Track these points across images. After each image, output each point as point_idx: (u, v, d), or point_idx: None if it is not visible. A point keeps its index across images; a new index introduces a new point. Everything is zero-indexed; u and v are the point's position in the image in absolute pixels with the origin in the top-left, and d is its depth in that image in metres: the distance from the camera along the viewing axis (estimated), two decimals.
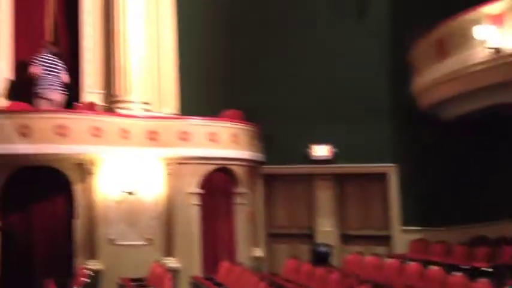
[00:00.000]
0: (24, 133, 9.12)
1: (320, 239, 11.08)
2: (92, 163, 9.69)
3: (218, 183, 10.70)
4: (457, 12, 8.78)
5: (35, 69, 10.19)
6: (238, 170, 10.99)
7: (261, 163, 11.56)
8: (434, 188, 10.61)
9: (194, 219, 10.27)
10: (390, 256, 9.72)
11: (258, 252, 11.28)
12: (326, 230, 11.29)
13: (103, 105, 10.83)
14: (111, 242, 9.69)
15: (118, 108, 10.52)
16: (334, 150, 11.35)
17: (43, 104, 10.08)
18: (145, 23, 11.06)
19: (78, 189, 9.67)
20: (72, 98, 10.61)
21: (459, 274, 7.17)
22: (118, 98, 10.62)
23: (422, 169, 10.82)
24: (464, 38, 8.57)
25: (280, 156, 11.39)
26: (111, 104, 10.70)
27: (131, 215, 9.85)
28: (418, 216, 10.76)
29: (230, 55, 11.80)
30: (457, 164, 10.44)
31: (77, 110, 10.16)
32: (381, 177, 11.19)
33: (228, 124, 10.84)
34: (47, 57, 10.34)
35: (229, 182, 10.92)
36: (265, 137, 11.49)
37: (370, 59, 11.10)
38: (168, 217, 10.06)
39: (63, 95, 10.46)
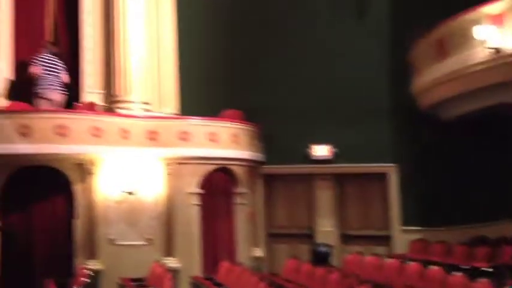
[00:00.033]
0: (24, 133, 9.12)
1: (320, 239, 11.07)
2: (92, 163, 9.69)
3: (218, 183, 10.70)
4: (457, 12, 8.78)
5: (35, 69, 10.19)
6: (238, 170, 10.98)
7: (261, 163, 11.56)
8: (434, 188, 10.61)
9: (194, 219, 10.27)
10: (390, 256, 9.72)
11: (258, 252, 11.28)
12: (326, 230, 11.29)
13: (103, 105, 10.82)
14: (111, 242, 9.69)
15: (118, 108, 10.51)
16: (334, 150, 11.35)
17: (43, 104, 10.08)
18: (145, 23, 11.06)
19: (78, 189, 9.67)
20: (72, 98, 10.61)
21: (459, 274, 7.16)
22: (118, 98, 10.61)
23: (422, 169, 10.82)
24: (465, 38, 8.57)
25: (280, 156, 11.39)
26: (111, 104, 10.70)
27: (131, 215, 9.85)
28: (418, 216, 10.76)
29: (230, 55, 11.80)
30: (457, 164, 10.43)
31: (77, 110, 10.16)
32: (381, 177, 11.19)
33: (228, 124, 10.84)
34: (47, 57, 10.34)
35: (229, 182, 10.92)
36: (265, 137, 11.48)
37: (370, 59, 11.10)
38: (168, 217, 10.06)
39: (63, 95, 10.46)
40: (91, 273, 8.56)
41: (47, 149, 9.21)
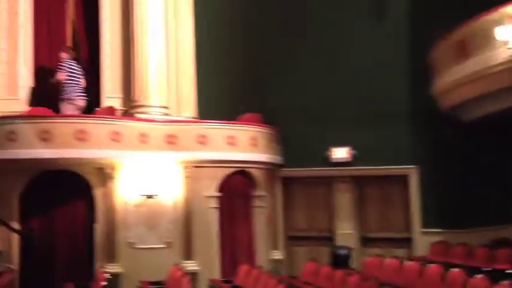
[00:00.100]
0: (45, 138, 9.23)
1: (339, 241, 11.02)
2: (111, 167, 9.78)
3: (237, 186, 10.71)
4: (477, 13, 8.69)
5: (61, 75, 10.28)
6: (257, 173, 10.99)
7: (280, 166, 11.55)
8: (454, 189, 10.48)
9: (213, 223, 10.31)
10: (410, 258, 9.61)
11: (277, 255, 11.26)
12: (345, 232, 11.23)
13: (122, 110, 10.91)
14: (131, 245, 9.77)
15: (137, 112, 10.58)
16: (353, 152, 11.29)
17: (70, 110, 10.19)
18: (163, 28, 11.10)
19: (98, 193, 9.77)
20: (91, 103, 10.72)
21: (481, 276, 7.06)
22: (137, 103, 10.68)
23: (443, 171, 10.70)
24: (486, 39, 8.47)
25: (298, 158, 11.36)
26: (130, 108, 10.77)
27: (150, 219, 9.91)
28: (438, 218, 10.64)
29: (248, 58, 11.82)
30: (478, 166, 10.30)
31: (97, 115, 10.25)
32: (401, 179, 11.10)
33: (246, 127, 10.84)
34: (71, 63, 10.46)
35: (247, 185, 10.93)
36: (284, 140, 11.48)
37: (390, 60, 11.01)
38: (187, 220, 10.10)
39: (85, 100, 10.58)
40: (109, 276, 8.61)
41: (68, 154, 9.31)
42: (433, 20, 10.41)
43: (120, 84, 11.07)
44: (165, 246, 9.94)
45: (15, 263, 9.34)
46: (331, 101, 11.27)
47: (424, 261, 8.97)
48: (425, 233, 10.73)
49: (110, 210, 9.76)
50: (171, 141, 10.07)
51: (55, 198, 9.63)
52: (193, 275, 9.50)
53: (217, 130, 10.43)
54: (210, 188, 10.34)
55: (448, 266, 8.09)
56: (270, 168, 11.29)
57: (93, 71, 11.07)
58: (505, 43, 8.04)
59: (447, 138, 10.53)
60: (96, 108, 10.69)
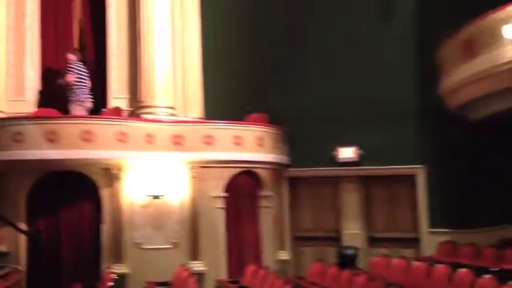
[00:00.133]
0: (52, 139, 9.26)
1: (346, 241, 10.99)
2: (118, 168, 9.80)
3: (243, 187, 10.70)
4: (484, 11, 8.64)
5: (71, 77, 10.30)
6: (263, 173, 10.97)
7: (286, 166, 11.53)
8: (462, 189, 10.43)
9: (219, 223, 10.30)
10: (418, 259, 9.57)
11: (284, 255, 11.24)
12: (352, 232, 11.19)
13: (129, 111, 10.93)
14: (137, 246, 9.78)
15: (144, 113, 10.58)
16: (360, 152, 11.26)
17: (80, 111, 10.22)
18: (170, 28, 11.11)
19: (105, 194, 9.79)
20: (98, 104, 10.74)
21: (488, 277, 7.03)
22: (143, 103, 10.68)
23: (450, 170, 10.65)
24: (493, 37, 8.42)
25: (305, 158, 11.34)
26: (136, 109, 10.78)
27: (157, 219, 9.92)
28: (446, 218, 10.59)
29: (254, 58, 11.80)
30: (485, 165, 10.25)
31: (103, 116, 10.27)
32: (408, 179, 11.05)
33: (253, 127, 10.82)
34: (79, 65, 10.50)
35: (254, 185, 10.92)
36: (290, 140, 11.46)
37: (397, 60, 10.97)
38: (193, 221, 10.10)
39: (92, 102, 10.61)
40: (116, 277, 8.62)
41: (74, 155, 9.33)
42: (440, 19, 10.37)
43: (127, 84, 11.08)
44: (172, 246, 9.94)
45: (22, 264, 9.38)
46: (337, 101, 11.23)
47: (431, 261, 8.93)
48: (432, 233, 10.68)
49: (117, 210, 9.78)
50: (178, 142, 10.08)
51: (62, 199, 9.66)
52: (199, 276, 9.51)
53: (223, 130, 10.42)
54: (217, 188, 10.33)
55: (455, 266, 8.05)
56: (276, 168, 11.28)
57: (99, 72, 11.09)
58: None
59: (454, 138, 10.48)
60: (103, 109, 10.70)
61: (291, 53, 11.68)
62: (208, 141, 10.22)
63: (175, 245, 9.97)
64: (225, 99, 11.53)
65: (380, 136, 10.89)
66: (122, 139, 9.62)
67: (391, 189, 11.29)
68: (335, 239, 11.32)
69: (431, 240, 10.57)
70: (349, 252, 9.96)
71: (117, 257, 9.64)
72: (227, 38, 11.95)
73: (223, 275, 10.00)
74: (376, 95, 10.99)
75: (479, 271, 7.53)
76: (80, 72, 10.40)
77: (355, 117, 11.11)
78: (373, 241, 11.24)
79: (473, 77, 8.88)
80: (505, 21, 8.17)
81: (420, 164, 10.91)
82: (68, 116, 9.98)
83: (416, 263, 8.90)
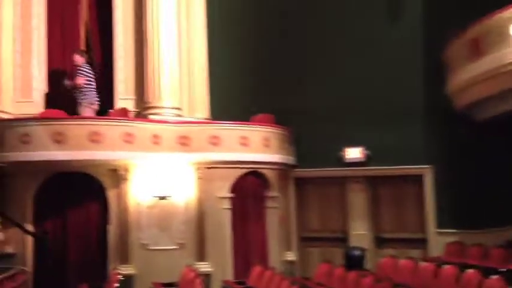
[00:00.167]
0: (59, 140, 9.28)
1: (353, 242, 10.95)
2: (125, 169, 9.81)
3: (249, 187, 10.68)
4: (491, 10, 8.58)
5: (81, 80, 10.35)
6: (270, 174, 10.95)
7: (293, 166, 11.51)
8: (470, 189, 10.35)
9: (225, 224, 10.29)
10: (425, 259, 9.52)
11: (291, 256, 11.22)
12: (359, 233, 11.15)
13: (135, 111, 10.94)
14: (144, 246, 9.79)
15: (150, 114, 10.58)
16: (366, 152, 11.22)
17: (89, 113, 10.27)
18: (176, 29, 11.11)
19: (111, 194, 9.80)
20: (104, 105, 10.76)
21: (496, 277, 6.98)
22: (150, 104, 10.68)
23: (458, 170, 10.58)
24: (501, 36, 8.36)
25: (312, 159, 11.31)
26: (143, 110, 10.78)
27: (163, 220, 9.93)
28: (453, 219, 10.52)
29: (261, 58, 11.80)
30: (493, 165, 10.17)
31: (110, 117, 10.28)
32: (415, 179, 10.99)
33: (259, 128, 10.80)
34: (88, 67, 10.53)
35: (260, 185, 10.90)
36: (297, 140, 11.43)
37: (404, 59, 10.92)
38: (200, 221, 10.10)
39: (98, 103, 10.64)
40: (122, 278, 8.63)
41: (81, 156, 9.35)
42: (447, 18, 10.31)
43: (133, 85, 11.09)
44: (178, 247, 9.94)
45: (29, 265, 9.41)
46: (344, 101, 11.21)
47: (439, 262, 8.88)
48: (440, 234, 10.62)
49: (123, 211, 9.79)
50: (184, 142, 10.08)
51: (68, 200, 9.68)
52: (206, 276, 9.50)
53: (229, 131, 10.42)
54: (223, 189, 10.32)
55: (463, 266, 8.01)
56: (282, 169, 11.25)
57: (106, 73, 11.11)
58: None
59: (462, 138, 10.41)
60: (109, 110, 10.72)
61: (297, 53, 11.66)
62: (215, 142, 10.21)
63: (182, 245, 9.97)
64: (231, 100, 11.52)
65: (387, 136, 10.84)
66: (129, 140, 9.63)
67: (398, 189, 11.24)
68: (342, 239, 11.29)
69: (438, 241, 10.51)
70: (356, 253, 9.92)
71: (124, 257, 9.64)
72: (233, 39, 11.94)
73: (229, 275, 9.99)
74: (383, 94, 10.95)
75: (487, 272, 7.48)
76: (88, 75, 10.44)
77: (362, 117, 11.08)
78: (380, 242, 11.19)
79: (480, 77, 8.82)
80: None
81: (427, 164, 10.85)
82: (75, 117, 10.00)
83: (423, 264, 8.86)
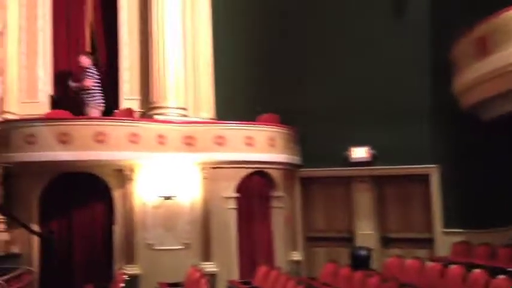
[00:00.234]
0: (64, 140, 9.31)
1: (359, 242, 10.90)
2: (130, 169, 9.82)
3: (255, 187, 10.66)
4: (498, 9, 8.53)
5: (89, 82, 10.41)
6: (275, 174, 10.93)
7: (298, 166, 11.48)
8: (476, 189, 10.30)
9: (231, 224, 10.28)
10: (432, 259, 9.48)
11: (296, 256, 11.20)
12: (365, 233, 11.10)
13: (141, 112, 10.94)
14: (149, 246, 9.80)
15: (155, 114, 10.59)
16: (372, 152, 11.18)
17: (96, 114, 10.32)
18: (181, 29, 11.11)
19: (117, 195, 9.81)
20: (110, 105, 10.78)
21: (503, 277, 6.93)
22: (155, 104, 10.69)
23: (465, 170, 10.52)
24: (508, 35, 8.30)
25: (317, 158, 11.27)
26: (148, 110, 10.79)
27: (168, 220, 9.93)
28: (460, 218, 10.46)
29: (266, 58, 11.77)
30: (500, 165, 10.11)
31: (115, 117, 10.29)
32: (422, 178, 10.94)
33: (264, 127, 10.79)
34: (95, 69, 10.55)
35: (266, 185, 10.87)
36: (302, 140, 11.41)
37: (410, 58, 10.87)
38: (205, 221, 10.10)
39: (104, 104, 10.67)
40: (128, 278, 8.63)
41: (87, 156, 9.37)
42: (453, 16, 10.25)
43: (138, 86, 11.09)
44: (184, 247, 9.95)
45: (34, 265, 9.44)
46: (349, 100, 11.18)
47: (445, 261, 8.84)
48: (446, 233, 10.56)
49: (129, 211, 9.80)
50: (189, 143, 10.08)
51: (74, 200, 9.72)
52: (211, 276, 9.50)
53: (235, 131, 10.41)
54: (228, 189, 10.31)
55: (470, 266, 7.96)
56: (288, 169, 11.23)
57: (111, 73, 11.12)
58: None
59: (469, 137, 10.35)
60: (115, 110, 10.73)
61: (302, 52, 11.63)
62: (220, 142, 10.20)
63: (187, 245, 9.97)
64: (236, 100, 11.51)
65: (393, 135, 10.80)
66: (134, 140, 9.64)
67: (405, 189, 11.19)
68: (348, 239, 11.25)
69: (445, 241, 10.45)
70: (362, 253, 9.88)
71: (129, 258, 9.66)
72: (238, 39, 11.93)
73: (235, 275, 9.98)
74: (388, 94, 10.91)
75: (493, 271, 7.43)
76: (96, 76, 10.47)
77: (367, 116, 11.05)
78: (387, 242, 11.15)
79: (487, 76, 8.76)
80: None
81: (434, 163, 10.80)
82: (80, 117, 10.04)
83: (430, 264, 8.83)
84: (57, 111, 10.34)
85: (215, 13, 11.84)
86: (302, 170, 11.53)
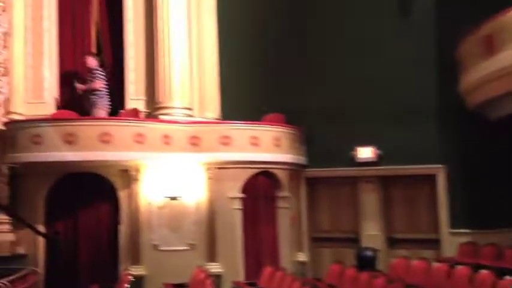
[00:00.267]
0: (70, 141, 9.33)
1: (365, 242, 10.85)
2: (136, 169, 9.83)
3: (260, 187, 10.64)
4: (505, 7, 8.47)
5: (98, 84, 10.47)
6: (281, 174, 10.91)
7: (304, 166, 11.45)
8: (483, 189, 10.24)
9: (236, 224, 10.26)
10: (438, 260, 9.44)
11: (302, 256, 11.17)
12: (371, 233, 11.05)
13: (146, 112, 10.94)
14: (155, 247, 9.81)
15: (161, 114, 10.59)
16: (378, 152, 11.13)
17: (102, 115, 10.35)
18: (187, 29, 11.11)
19: (122, 195, 9.82)
20: (115, 106, 10.79)
21: (510, 278, 6.89)
22: (161, 105, 10.68)
23: (471, 170, 10.47)
24: None
25: (323, 159, 11.23)
26: (154, 110, 10.79)
27: (174, 221, 9.93)
28: (467, 219, 10.40)
29: (271, 58, 11.74)
30: (507, 165, 10.06)
31: (121, 117, 10.31)
32: (428, 178, 10.88)
33: (270, 127, 10.76)
34: (102, 70, 10.57)
35: (271, 186, 10.85)
36: (308, 140, 11.38)
37: (416, 57, 10.82)
38: (210, 222, 10.09)
39: (110, 105, 10.70)
40: (133, 278, 8.64)
41: (92, 156, 9.39)
42: (460, 15, 10.17)
43: (144, 86, 11.08)
44: (189, 248, 9.94)
45: (40, 266, 9.47)
46: (355, 100, 11.14)
47: (452, 262, 8.80)
48: (453, 234, 10.50)
49: (134, 212, 9.80)
50: (195, 143, 10.07)
51: (80, 201, 9.74)
52: (216, 277, 9.48)
53: (240, 131, 10.39)
54: (234, 189, 10.30)
55: (476, 267, 7.93)
56: (293, 169, 11.20)
57: (117, 74, 11.13)
58: None
59: (475, 137, 10.30)
60: (120, 111, 10.75)
61: (308, 52, 11.60)
62: (225, 142, 10.19)
63: (193, 246, 9.97)
64: (241, 100, 11.49)
65: (399, 135, 10.75)
66: (139, 140, 9.65)
67: (411, 189, 11.14)
68: (354, 240, 11.20)
69: (451, 241, 10.40)
70: (368, 253, 9.83)
71: (135, 258, 9.66)
72: (244, 39, 11.91)
73: (240, 276, 9.96)
74: (394, 93, 10.87)
75: (500, 272, 7.40)
76: (103, 78, 10.52)
77: (373, 116, 11.00)
78: (393, 242, 11.10)
79: (494, 74, 8.71)
80: None
81: (440, 163, 10.74)
82: (86, 117, 10.07)
83: (436, 265, 8.79)
84: (63, 111, 10.38)
85: (220, 13, 11.84)
86: (308, 170, 11.49)
